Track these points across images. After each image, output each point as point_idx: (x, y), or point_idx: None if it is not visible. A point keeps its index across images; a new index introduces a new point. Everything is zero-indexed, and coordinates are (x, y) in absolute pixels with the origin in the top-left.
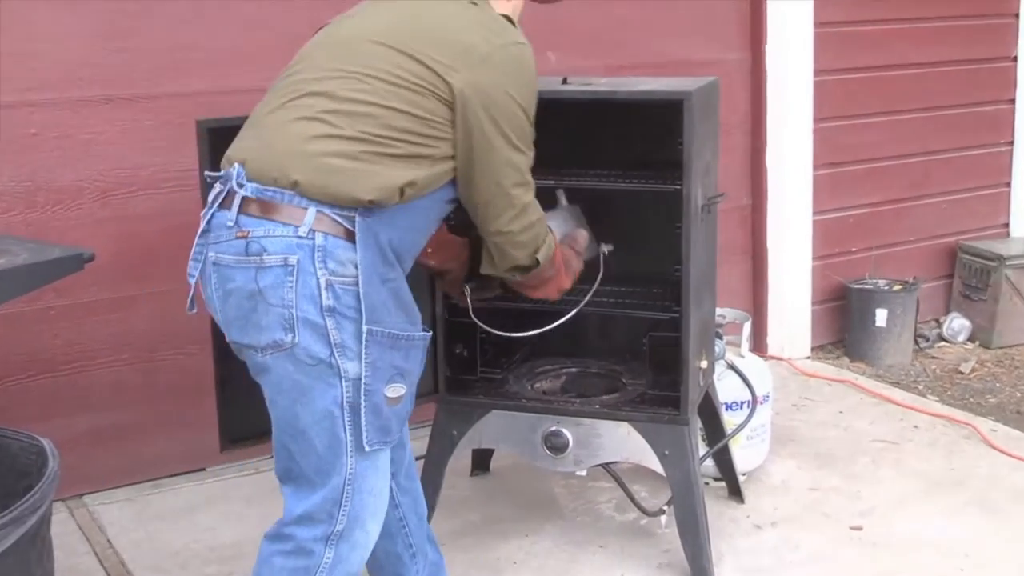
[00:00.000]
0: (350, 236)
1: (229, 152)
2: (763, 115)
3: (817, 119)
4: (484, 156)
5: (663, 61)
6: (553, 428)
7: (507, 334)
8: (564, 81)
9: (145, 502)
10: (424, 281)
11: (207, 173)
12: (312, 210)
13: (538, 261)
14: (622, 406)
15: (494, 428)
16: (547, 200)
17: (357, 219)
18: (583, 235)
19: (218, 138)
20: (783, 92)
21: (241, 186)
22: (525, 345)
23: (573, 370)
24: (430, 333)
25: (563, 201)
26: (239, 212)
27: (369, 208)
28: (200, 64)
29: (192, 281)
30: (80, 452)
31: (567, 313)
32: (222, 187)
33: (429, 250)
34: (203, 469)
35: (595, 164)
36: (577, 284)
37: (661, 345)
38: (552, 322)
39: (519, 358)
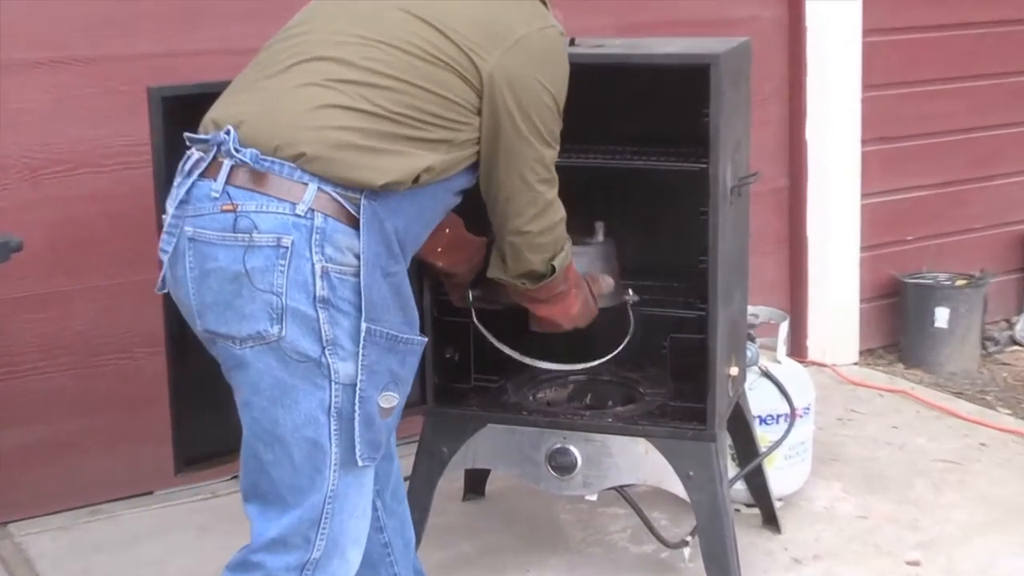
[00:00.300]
0: (352, 221)
1: (216, 115)
2: (803, 82)
3: (866, 86)
4: (509, 147)
5: (686, 19)
6: (559, 445)
7: (535, 361)
8: (571, 43)
9: (82, 531)
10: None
11: (187, 135)
12: (313, 187)
13: (553, 268)
14: (639, 419)
15: (490, 445)
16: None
17: (363, 202)
18: (607, 281)
19: (175, 109)
20: (826, 55)
21: (238, 151)
22: (525, 349)
23: (582, 378)
24: (426, 339)
25: (599, 236)
26: (227, 182)
27: (376, 192)
28: (149, 22)
29: (165, 258)
30: (5, 473)
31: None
32: (204, 154)
33: (439, 249)
34: (150, 493)
35: (607, 139)
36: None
37: (684, 349)
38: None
39: (519, 363)
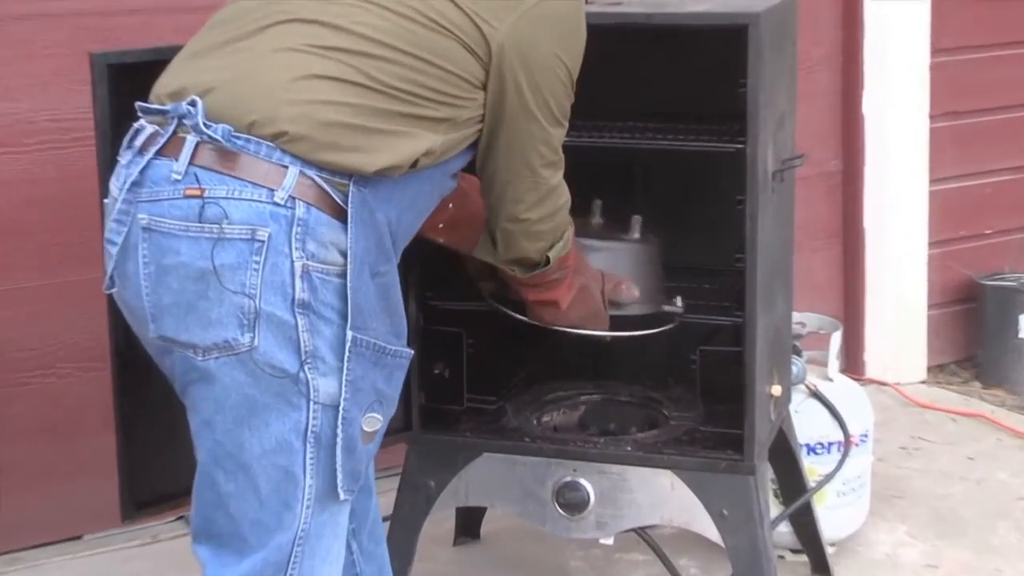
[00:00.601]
0: (337, 212)
1: (176, 82)
2: (859, 45)
3: (936, 50)
4: (515, 127)
5: None
6: (568, 478)
7: (578, 329)
8: (586, 1)
9: None
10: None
11: (140, 105)
12: (295, 171)
13: (548, 259)
14: (663, 448)
15: (486, 478)
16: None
17: (351, 190)
18: (630, 290)
19: (122, 78)
20: (887, 14)
21: (208, 126)
22: (528, 364)
23: (595, 398)
24: (413, 352)
25: (636, 232)
26: (191, 162)
27: (367, 178)
28: None
29: (113, 251)
30: None
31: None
32: (160, 128)
33: (440, 225)
34: (79, 538)
35: (625, 115)
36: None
37: (716, 363)
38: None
39: (521, 381)
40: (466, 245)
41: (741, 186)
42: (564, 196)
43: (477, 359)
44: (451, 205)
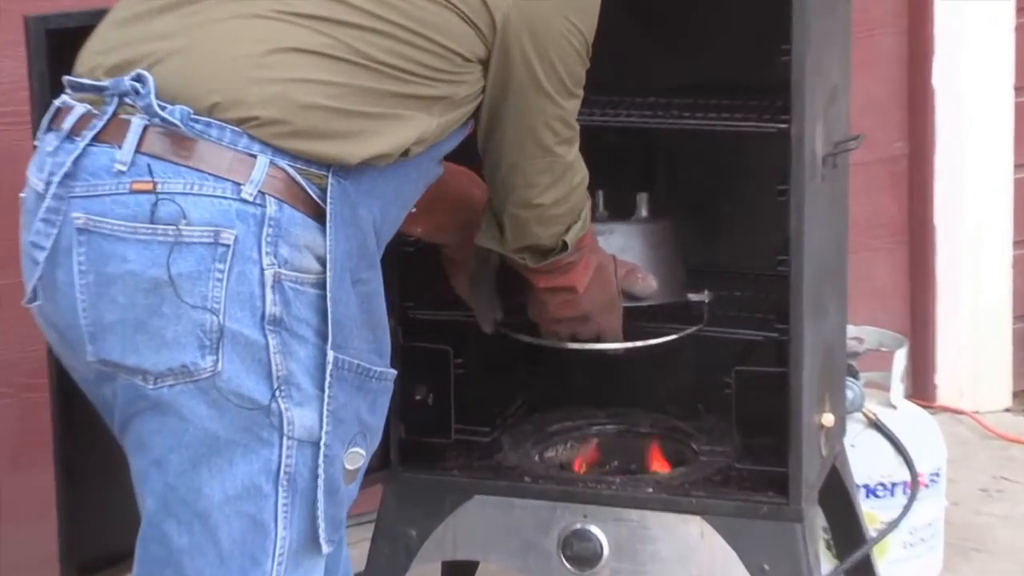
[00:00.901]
0: (314, 209)
1: (113, 53)
2: (928, 2)
3: (1022, 8)
4: (524, 104)
5: None
6: (577, 526)
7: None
8: None
9: None
10: None
11: (69, 79)
12: (264, 161)
13: (565, 244)
14: (691, 489)
15: (479, 526)
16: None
17: (330, 183)
18: (647, 279)
19: (63, 45)
20: None
21: (163, 108)
22: (528, 388)
23: (610, 429)
24: (396, 372)
25: (643, 211)
26: (138, 149)
27: (348, 168)
28: None
29: (40, 256)
30: None
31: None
32: (93, 108)
33: (413, 209)
34: None
35: (645, 89)
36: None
37: (755, 387)
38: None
39: (520, 408)
40: (444, 234)
41: (784, 174)
42: (581, 173)
43: (467, 382)
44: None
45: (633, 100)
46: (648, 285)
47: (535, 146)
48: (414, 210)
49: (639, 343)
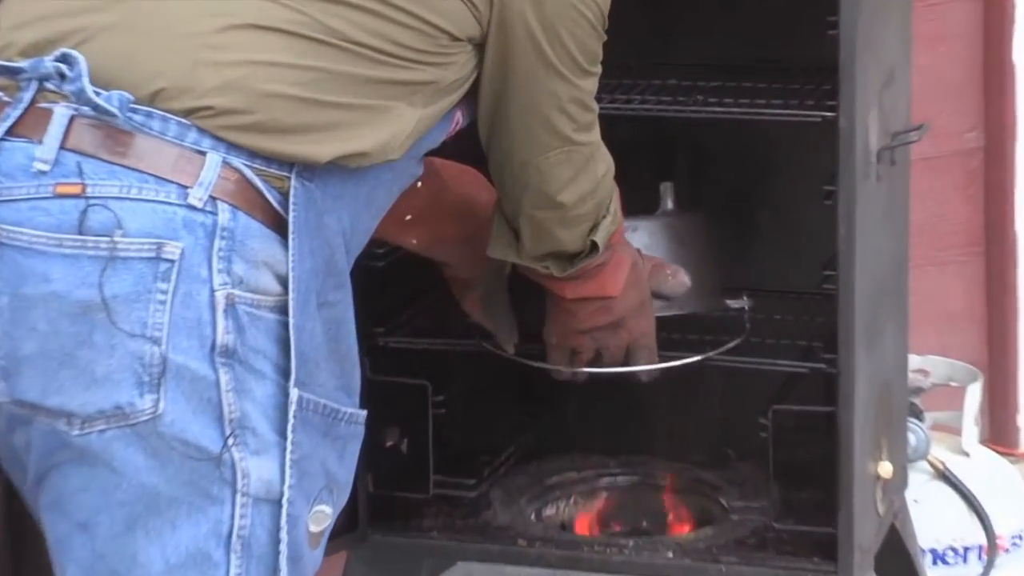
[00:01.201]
0: (273, 219)
1: (28, 29)
2: None
3: None
4: (531, 87)
5: None
6: None
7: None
8: None
9: None
10: None
11: None
12: (216, 159)
13: (595, 246)
14: (720, 554)
15: None
16: None
17: (293, 186)
18: (678, 275)
19: None
20: None
21: (98, 93)
22: (522, 430)
23: (621, 480)
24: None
25: (668, 203)
26: (63, 145)
27: (313, 169)
28: None
29: None
30: None
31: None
32: (5, 95)
33: (407, 216)
34: None
35: (667, 70)
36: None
37: (796, 429)
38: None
39: (512, 456)
40: (444, 247)
41: (831, 172)
42: (605, 162)
43: (449, 424)
44: (420, 184)
45: (649, 83)
46: (680, 282)
47: (549, 135)
48: (409, 218)
49: (676, 363)
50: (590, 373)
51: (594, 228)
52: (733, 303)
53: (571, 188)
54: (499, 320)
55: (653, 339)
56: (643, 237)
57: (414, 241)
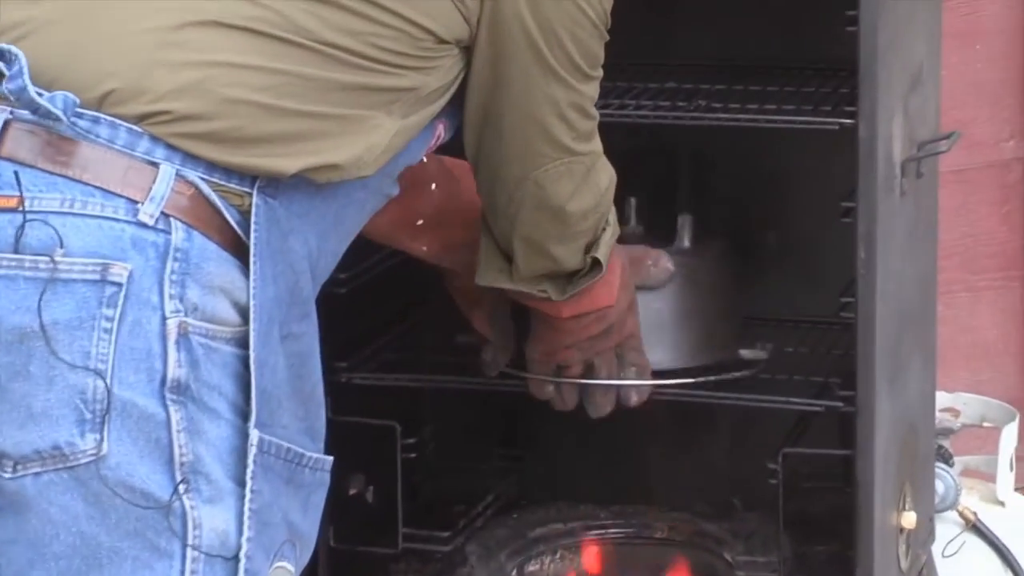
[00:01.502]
0: (232, 240)
1: None
2: None
3: None
4: (527, 91)
5: None
6: None
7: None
8: None
9: None
10: None
11: None
12: (168, 171)
13: (596, 262)
14: None
15: None
16: None
17: (255, 203)
18: (659, 264)
19: None
20: None
21: (41, 95)
22: (502, 476)
23: (613, 533)
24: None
25: (685, 240)
26: None
27: (277, 184)
28: None
29: None
30: None
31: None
32: None
33: (419, 222)
34: None
35: (668, 72)
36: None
37: (809, 475)
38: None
39: (491, 506)
40: (455, 253)
41: (850, 186)
42: (607, 172)
43: (420, 469)
44: (435, 186)
45: (645, 87)
46: (663, 268)
47: (547, 145)
48: (420, 223)
49: (670, 381)
50: (578, 387)
51: (594, 244)
52: (748, 353)
53: (573, 201)
54: (498, 332)
55: (640, 340)
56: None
57: (424, 248)
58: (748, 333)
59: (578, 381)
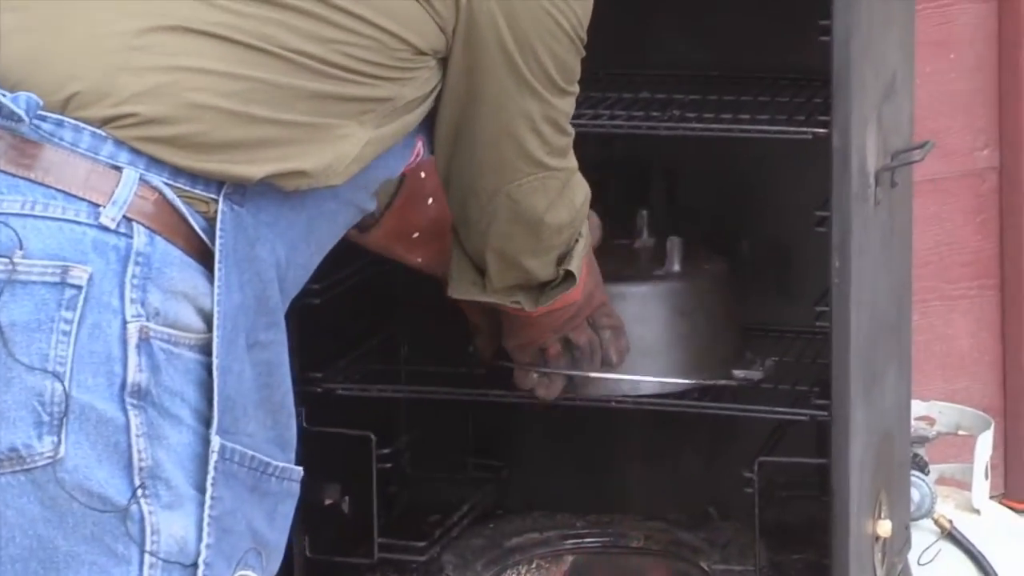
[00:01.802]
0: (197, 247)
1: None
2: None
3: None
4: (500, 105)
5: None
6: None
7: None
8: None
9: None
10: None
11: None
12: (132, 175)
13: (569, 275)
14: None
15: None
16: None
17: (221, 209)
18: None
19: None
20: None
21: (3, 95)
22: (478, 486)
23: (590, 543)
24: (302, 471)
25: (675, 264)
26: None
27: (243, 190)
28: None
29: None
30: None
31: None
32: None
33: (416, 234)
34: None
35: (642, 81)
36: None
37: (785, 484)
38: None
39: (468, 515)
40: (447, 265)
41: (824, 195)
42: (582, 188)
43: (396, 480)
44: (432, 200)
45: (620, 97)
46: (596, 225)
47: (521, 159)
48: (416, 235)
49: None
50: (562, 377)
51: (567, 255)
52: (741, 374)
53: (548, 216)
54: (484, 333)
55: (608, 303)
56: (632, 307)
57: (420, 259)
58: (743, 352)
59: (562, 372)
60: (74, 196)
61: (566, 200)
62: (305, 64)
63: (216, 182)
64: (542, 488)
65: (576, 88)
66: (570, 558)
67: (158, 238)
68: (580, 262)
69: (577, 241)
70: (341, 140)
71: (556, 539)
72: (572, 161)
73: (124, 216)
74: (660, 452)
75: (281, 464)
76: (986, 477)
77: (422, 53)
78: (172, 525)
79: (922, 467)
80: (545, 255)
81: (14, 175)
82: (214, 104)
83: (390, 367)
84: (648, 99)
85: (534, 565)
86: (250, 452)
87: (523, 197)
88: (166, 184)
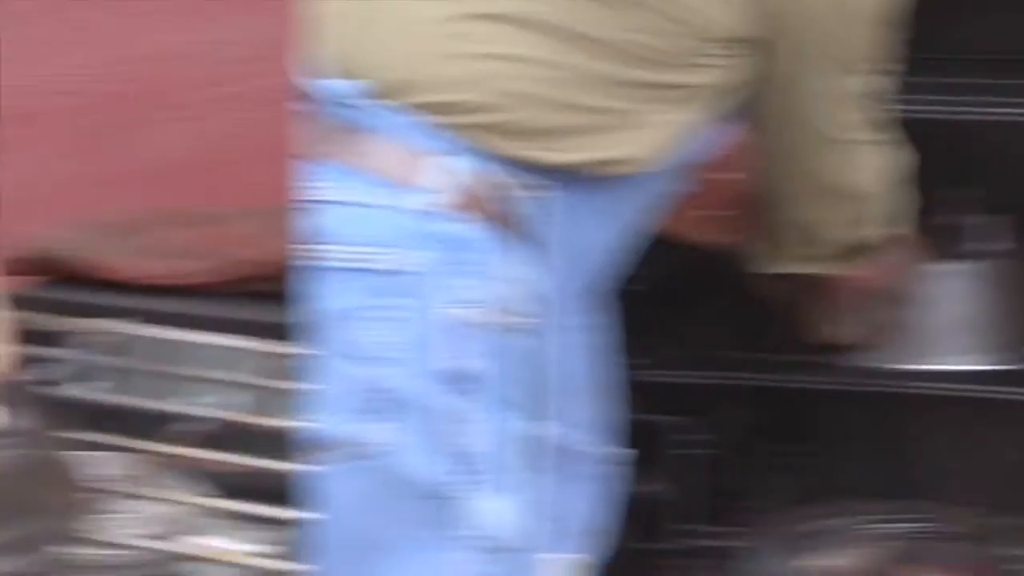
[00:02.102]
0: (517, 232)
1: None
2: None
3: None
4: (801, 93)
5: None
6: None
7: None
8: None
9: None
10: None
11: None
12: (453, 162)
13: (874, 242)
14: None
15: None
16: None
17: (538, 194)
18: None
19: None
20: None
21: (329, 83)
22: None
23: (903, 527)
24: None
25: (1007, 238)
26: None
27: (562, 174)
28: None
29: None
30: None
31: None
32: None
33: (728, 214)
34: None
35: (952, 68)
36: None
37: None
38: None
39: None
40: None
41: None
42: (891, 160)
43: (709, 467)
44: (743, 180)
45: (942, 83)
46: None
47: (821, 132)
48: (729, 215)
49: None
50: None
51: (876, 225)
52: None
53: (858, 185)
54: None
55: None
56: (967, 286)
57: (733, 239)
58: None
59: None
60: (398, 183)
61: (872, 170)
62: (617, 51)
63: (537, 169)
64: (851, 474)
65: (883, 67)
66: (896, 543)
67: (483, 225)
68: (886, 233)
69: (887, 212)
70: (653, 126)
71: (873, 523)
72: (880, 134)
73: (448, 203)
74: (973, 439)
75: (603, 449)
76: None
77: (728, 40)
78: (495, 510)
79: None
80: (856, 226)
81: (340, 163)
82: (533, 92)
83: (710, 353)
84: (962, 85)
85: (853, 549)
86: (573, 437)
87: (830, 171)
88: (489, 171)
